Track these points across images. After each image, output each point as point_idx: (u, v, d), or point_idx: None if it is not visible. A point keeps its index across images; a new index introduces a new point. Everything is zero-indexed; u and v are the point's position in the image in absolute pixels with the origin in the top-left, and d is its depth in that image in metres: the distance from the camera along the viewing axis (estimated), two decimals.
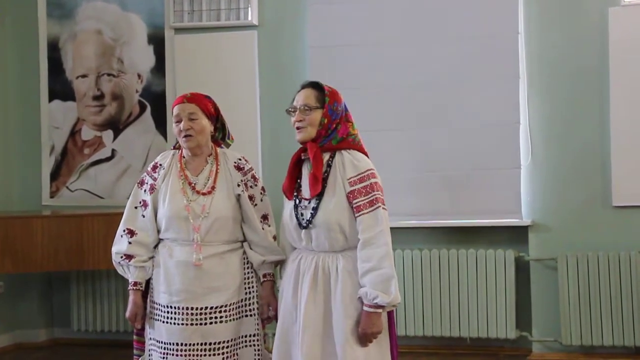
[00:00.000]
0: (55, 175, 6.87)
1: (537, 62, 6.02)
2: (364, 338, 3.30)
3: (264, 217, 3.77)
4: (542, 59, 6.02)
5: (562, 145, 5.99)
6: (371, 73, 6.21)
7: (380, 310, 3.29)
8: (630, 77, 5.80)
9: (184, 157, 3.78)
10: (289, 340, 3.46)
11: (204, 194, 3.69)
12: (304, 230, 3.43)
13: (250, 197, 3.74)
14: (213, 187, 3.71)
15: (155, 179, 3.77)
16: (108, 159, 6.79)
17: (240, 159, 3.81)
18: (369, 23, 6.23)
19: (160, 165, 3.80)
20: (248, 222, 3.74)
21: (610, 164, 5.84)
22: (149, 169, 3.83)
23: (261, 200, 3.77)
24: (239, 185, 3.73)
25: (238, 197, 3.73)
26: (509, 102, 5.99)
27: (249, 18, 6.44)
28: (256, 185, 3.78)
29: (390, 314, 3.43)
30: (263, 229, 3.74)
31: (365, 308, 3.29)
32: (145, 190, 3.78)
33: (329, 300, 3.37)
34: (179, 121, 3.70)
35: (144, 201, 3.77)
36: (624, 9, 5.82)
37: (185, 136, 3.69)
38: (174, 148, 3.85)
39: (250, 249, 3.75)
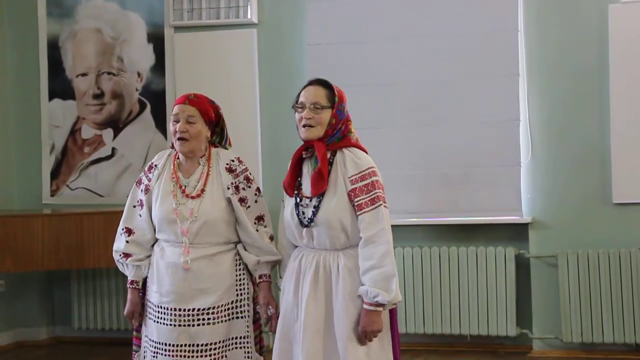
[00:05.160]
0: (55, 173, 6.87)
1: (537, 59, 6.01)
2: (364, 336, 3.30)
3: (259, 218, 3.71)
4: (541, 56, 6.01)
5: (562, 143, 5.98)
6: (370, 71, 6.20)
7: (380, 309, 3.28)
8: (630, 74, 5.79)
9: (177, 158, 3.75)
10: (290, 339, 3.45)
11: (192, 197, 3.65)
12: (305, 229, 3.42)
13: (242, 200, 3.68)
14: (203, 190, 3.66)
15: (150, 180, 3.76)
16: (108, 158, 6.79)
17: (233, 160, 3.74)
18: (368, 21, 6.23)
19: (155, 165, 3.78)
20: (240, 225, 3.69)
21: (610, 161, 5.84)
22: (145, 168, 3.82)
23: (255, 201, 3.71)
24: (228, 188, 3.68)
25: (229, 200, 3.69)
26: (508, 99, 5.99)
27: (249, 16, 6.44)
28: (249, 187, 3.71)
29: (392, 312, 3.42)
30: (257, 230, 3.68)
31: (365, 306, 3.28)
32: (141, 190, 3.78)
33: (330, 298, 3.37)
34: (176, 121, 3.67)
35: (141, 200, 3.76)
36: (624, 5, 5.82)
37: (180, 139, 3.66)
38: (172, 147, 3.79)
39: (245, 250, 3.72)
